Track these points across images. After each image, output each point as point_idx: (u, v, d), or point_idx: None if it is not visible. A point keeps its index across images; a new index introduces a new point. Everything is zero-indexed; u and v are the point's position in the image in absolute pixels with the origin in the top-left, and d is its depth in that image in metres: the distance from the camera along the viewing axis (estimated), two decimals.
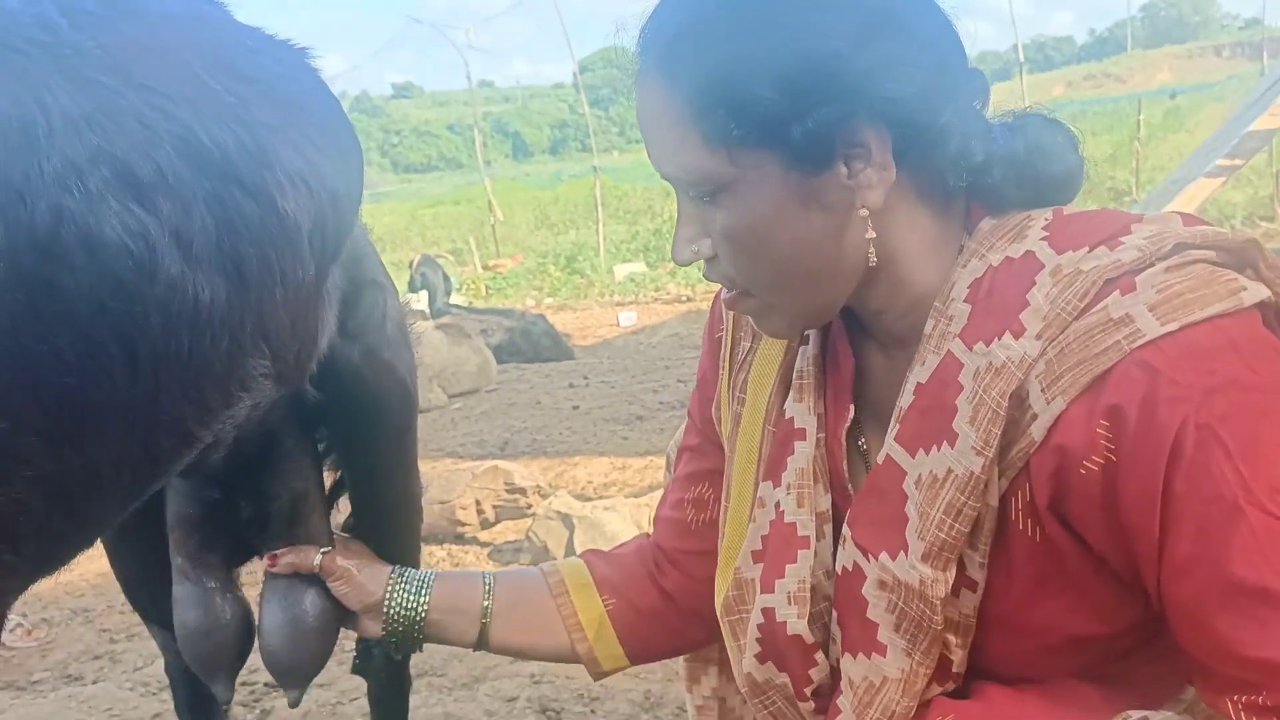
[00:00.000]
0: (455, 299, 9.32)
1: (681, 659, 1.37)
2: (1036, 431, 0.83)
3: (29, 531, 0.97)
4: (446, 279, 9.38)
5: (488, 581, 1.24)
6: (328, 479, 1.50)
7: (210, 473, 1.31)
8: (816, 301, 0.94)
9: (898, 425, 0.92)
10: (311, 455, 1.41)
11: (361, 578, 1.26)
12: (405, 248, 15.20)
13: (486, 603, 1.22)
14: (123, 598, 3.23)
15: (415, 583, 1.24)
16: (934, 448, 0.88)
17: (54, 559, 1.09)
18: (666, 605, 1.21)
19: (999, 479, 0.86)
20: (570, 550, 3.08)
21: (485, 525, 3.51)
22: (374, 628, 1.26)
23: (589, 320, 9.13)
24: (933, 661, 0.92)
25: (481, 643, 1.23)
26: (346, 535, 1.41)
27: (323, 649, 1.34)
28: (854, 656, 0.95)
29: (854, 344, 1.01)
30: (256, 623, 1.35)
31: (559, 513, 3.18)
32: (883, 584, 0.92)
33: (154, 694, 2.50)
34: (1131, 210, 0.93)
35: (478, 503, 3.48)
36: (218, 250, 1.05)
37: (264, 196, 1.11)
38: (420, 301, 8.58)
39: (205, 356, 1.06)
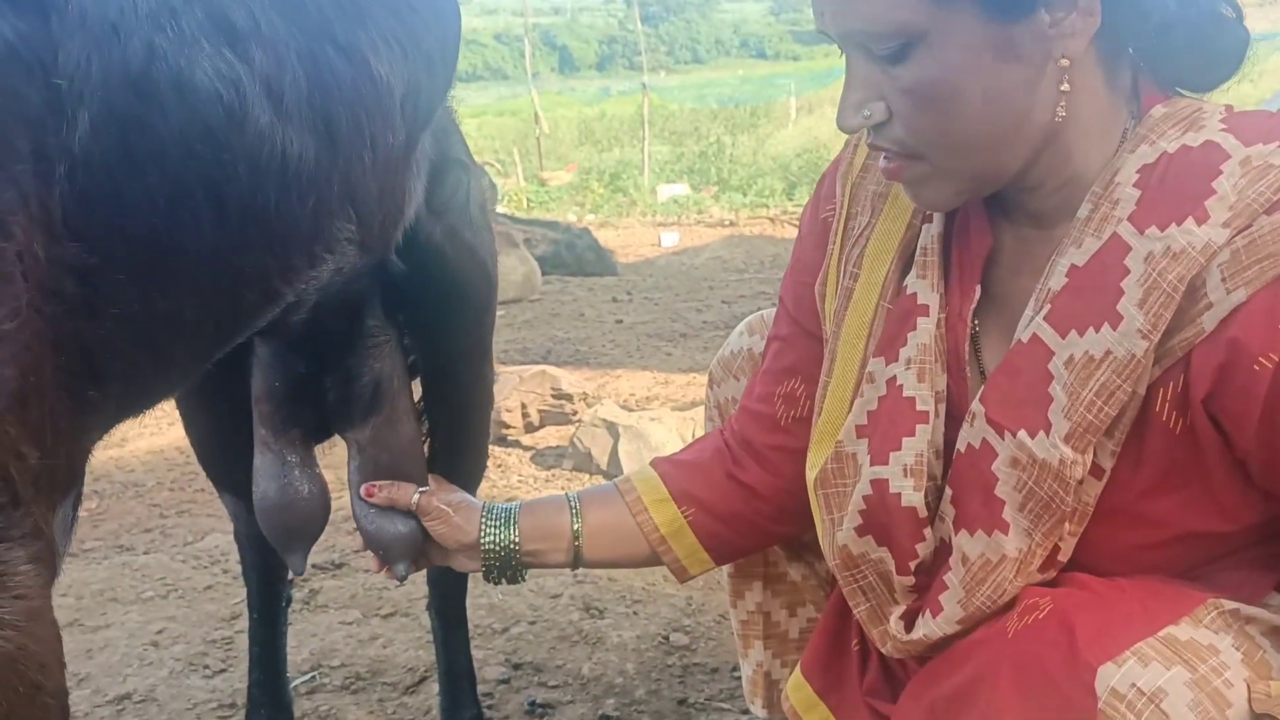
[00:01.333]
0: (499, 209, 9.28)
1: (725, 574, 1.38)
2: (1208, 321, 0.83)
3: (115, 371, 0.98)
4: (493, 186, 9.33)
5: (574, 505, 1.25)
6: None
7: (296, 344, 1.32)
8: (993, 166, 0.93)
9: (1047, 305, 0.91)
10: (395, 338, 1.42)
11: (458, 519, 1.27)
12: None
13: (577, 526, 1.23)
14: (173, 475, 3.31)
15: (505, 517, 1.24)
16: (1089, 329, 0.88)
17: (137, 401, 1.11)
18: (747, 502, 1.21)
19: (1151, 367, 0.86)
20: (614, 459, 3.10)
21: (530, 429, 3.53)
22: (470, 564, 1.27)
23: (630, 238, 9.08)
24: (1051, 544, 0.93)
25: (576, 563, 1.25)
26: (435, 476, 1.41)
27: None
28: (971, 534, 0.96)
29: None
30: (353, 511, 1.37)
31: (604, 420, 3.19)
32: (1016, 462, 0.92)
33: (205, 567, 2.55)
34: None
35: (523, 406, 3.49)
36: (309, 106, 1.04)
37: (357, 56, 1.10)
38: None
39: (291, 213, 1.07)
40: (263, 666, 1.71)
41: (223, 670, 2.08)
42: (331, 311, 1.29)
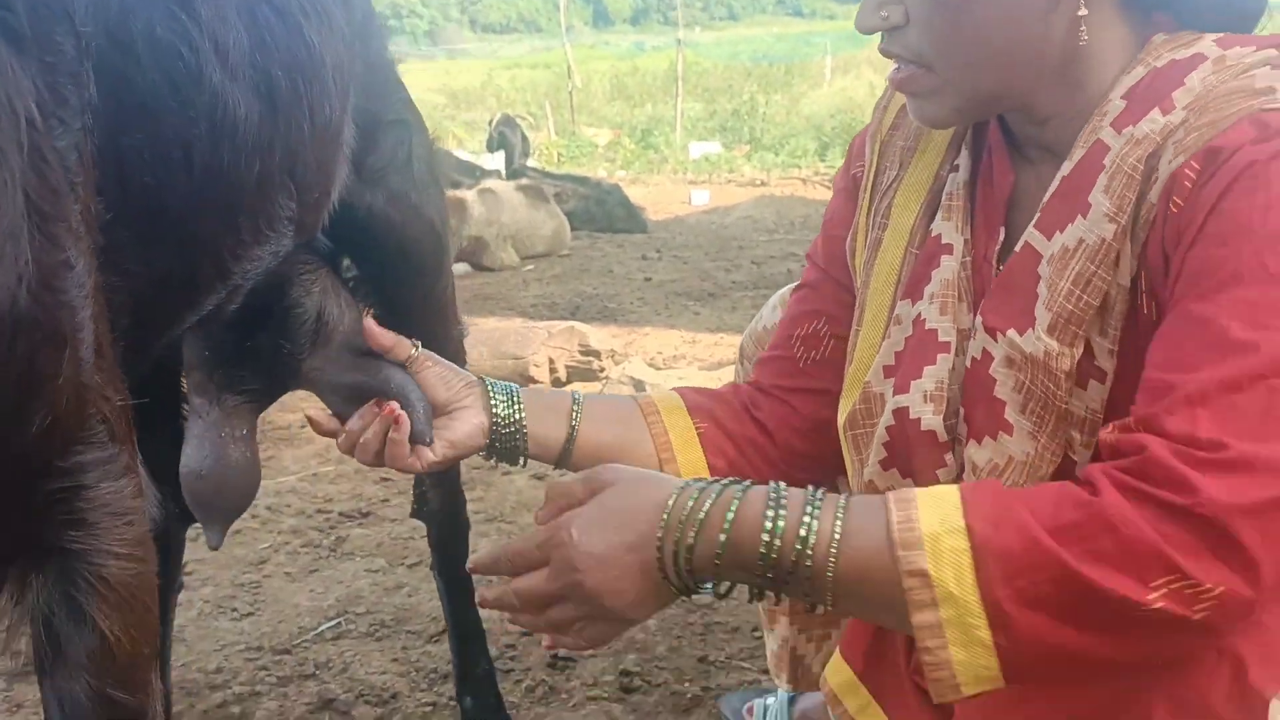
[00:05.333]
0: (530, 163, 9.24)
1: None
2: (1154, 194, 0.85)
3: (121, 329, 0.99)
4: (524, 139, 9.28)
5: (577, 397, 1.20)
6: None
7: (229, 319, 1.29)
8: (999, 86, 0.95)
9: (1039, 214, 0.94)
10: (331, 267, 1.37)
11: (450, 375, 1.19)
12: (480, 107, 15.05)
13: (576, 409, 1.17)
14: None
15: (504, 388, 1.19)
16: (1069, 225, 0.90)
17: (130, 365, 1.11)
18: (760, 435, 1.20)
19: (1131, 258, 0.87)
20: None
21: (556, 384, 3.54)
22: (476, 436, 1.17)
23: (661, 196, 9.02)
24: (1059, 448, 0.92)
25: (567, 449, 1.17)
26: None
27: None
28: (979, 443, 0.96)
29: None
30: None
31: (632, 378, 3.20)
32: (1010, 361, 0.93)
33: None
34: None
35: (551, 361, 3.50)
36: (251, 66, 1.05)
37: (290, 19, 1.10)
38: (496, 160, 8.53)
39: (240, 178, 1.07)
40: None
41: (250, 614, 2.11)
42: (264, 292, 1.27)
